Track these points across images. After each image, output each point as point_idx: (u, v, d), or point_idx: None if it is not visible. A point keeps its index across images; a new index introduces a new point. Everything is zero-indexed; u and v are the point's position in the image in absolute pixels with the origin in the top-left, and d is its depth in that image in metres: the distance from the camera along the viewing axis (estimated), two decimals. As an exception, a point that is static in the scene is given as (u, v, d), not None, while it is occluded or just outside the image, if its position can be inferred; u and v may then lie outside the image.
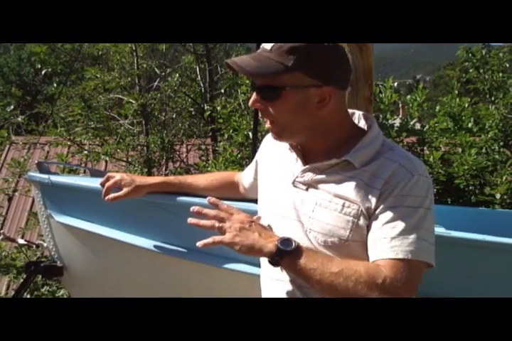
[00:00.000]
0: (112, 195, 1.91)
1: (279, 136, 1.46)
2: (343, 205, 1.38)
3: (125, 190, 1.89)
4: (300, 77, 1.37)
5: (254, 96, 1.42)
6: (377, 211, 1.36)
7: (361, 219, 1.37)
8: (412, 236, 1.33)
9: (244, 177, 1.86)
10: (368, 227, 1.37)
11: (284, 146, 1.55)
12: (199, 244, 1.38)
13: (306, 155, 1.49)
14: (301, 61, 1.36)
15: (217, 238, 1.37)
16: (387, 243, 1.33)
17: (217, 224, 1.39)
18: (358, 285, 1.29)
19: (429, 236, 1.36)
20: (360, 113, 1.56)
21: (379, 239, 1.34)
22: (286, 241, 1.34)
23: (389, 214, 1.35)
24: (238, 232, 1.36)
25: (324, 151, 1.45)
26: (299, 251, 1.33)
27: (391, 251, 1.32)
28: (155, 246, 2.03)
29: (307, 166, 1.46)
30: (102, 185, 1.93)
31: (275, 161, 1.57)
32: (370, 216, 1.37)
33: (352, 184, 1.39)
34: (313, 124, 1.43)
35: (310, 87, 1.38)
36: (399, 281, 1.30)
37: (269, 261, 1.35)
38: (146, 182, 1.92)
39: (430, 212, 1.37)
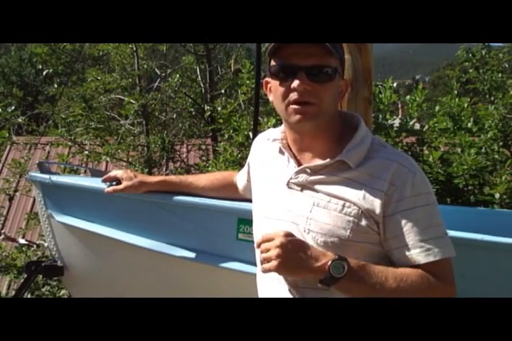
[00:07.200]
0: (111, 188, 1.92)
1: (312, 118, 1.38)
2: (344, 205, 1.37)
3: (125, 183, 1.91)
4: (338, 65, 1.41)
5: (302, 77, 1.35)
6: (393, 216, 1.36)
7: (362, 220, 1.36)
8: (439, 235, 1.36)
9: (238, 179, 1.86)
10: (382, 231, 1.37)
11: (274, 148, 1.53)
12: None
13: (299, 157, 1.48)
14: (340, 49, 1.43)
15: (265, 266, 1.31)
16: (419, 248, 1.34)
17: (263, 255, 1.32)
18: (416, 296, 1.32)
19: (445, 229, 1.39)
20: (346, 112, 1.56)
21: (410, 244, 1.34)
22: (338, 262, 1.29)
23: (409, 218, 1.35)
24: (281, 258, 1.29)
25: (317, 151, 1.44)
26: (352, 272, 1.29)
27: (427, 255, 1.34)
28: (155, 246, 2.03)
29: (301, 167, 1.44)
30: (105, 180, 1.96)
31: (266, 164, 1.56)
32: (377, 219, 1.36)
33: (351, 186, 1.38)
34: (334, 114, 1.45)
35: (342, 75, 1.44)
36: (448, 282, 1.36)
37: (321, 284, 1.31)
38: (147, 179, 1.93)
39: (437, 205, 1.41)
